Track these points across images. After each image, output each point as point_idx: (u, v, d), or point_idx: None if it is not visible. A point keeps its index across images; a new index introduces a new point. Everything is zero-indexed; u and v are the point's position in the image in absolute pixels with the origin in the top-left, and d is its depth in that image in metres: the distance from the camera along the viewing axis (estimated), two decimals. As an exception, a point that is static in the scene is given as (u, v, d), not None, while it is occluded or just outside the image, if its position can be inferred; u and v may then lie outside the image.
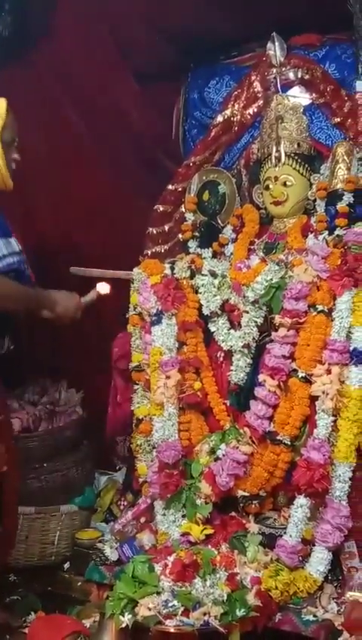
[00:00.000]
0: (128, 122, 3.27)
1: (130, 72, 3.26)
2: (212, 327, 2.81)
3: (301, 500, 2.34)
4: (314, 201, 2.88)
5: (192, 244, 3.08)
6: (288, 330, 2.51)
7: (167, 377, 2.66)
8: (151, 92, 3.33)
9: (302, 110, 2.93)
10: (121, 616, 2.08)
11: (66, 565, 2.72)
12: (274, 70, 3.02)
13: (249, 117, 3.11)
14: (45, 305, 2.45)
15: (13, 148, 2.43)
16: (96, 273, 2.85)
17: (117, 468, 3.16)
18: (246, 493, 2.48)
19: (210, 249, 3.02)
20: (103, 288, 2.67)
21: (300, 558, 2.34)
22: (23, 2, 3.02)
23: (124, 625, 2.07)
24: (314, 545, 2.35)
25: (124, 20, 3.05)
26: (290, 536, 2.33)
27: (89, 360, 3.27)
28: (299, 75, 2.99)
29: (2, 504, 2.35)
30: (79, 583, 2.61)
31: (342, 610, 2.23)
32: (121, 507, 2.94)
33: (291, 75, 3.00)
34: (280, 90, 2.99)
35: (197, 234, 3.09)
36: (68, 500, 2.90)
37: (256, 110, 3.09)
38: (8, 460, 2.32)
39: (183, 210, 3.18)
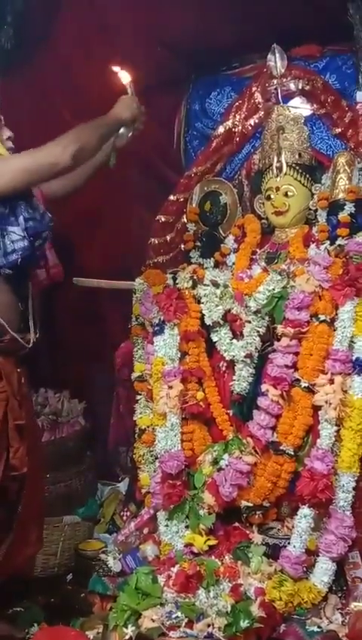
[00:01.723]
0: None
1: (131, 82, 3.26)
2: (214, 337, 2.81)
3: (304, 511, 2.34)
4: (316, 211, 2.90)
5: (194, 255, 3.09)
6: (290, 340, 2.52)
7: (170, 387, 2.67)
8: (152, 103, 3.33)
9: (302, 121, 2.95)
10: (124, 628, 2.08)
11: (69, 577, 2.71)
12: (275, 81, 3.03)
13: (250, 128, 3.12)
14: (112, 116, 2.41)
15: (3, 127, 2.35)
16: (99, 284, 2.86)
17: (120, 478, 3.16)
18: (249, 504, 2.48)
19: (212, 259, 3.03)
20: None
21: (304, 568, 2.34)
22: (25, 14, 3.04)
23: (127, 637, 2.07)
24: (318, 555, 2.35)
25: (124, 31, 3.07)
26: (294, 546, 2.33)
27: (92, 370, 3.27)
28: (300, 86, 3.00)
29: (19, 509, 2.24)
30: (82, 595, 2.59)
31: (346, 620, 2.22)
32: (124, 518, 2.93)
33: (292, 86, 3.01)
34: (281, 100, 3.00)
35: (198, 244, 3.11)
36: (71, 510, 2.89)
37: (257, 121, 3.10)
38: (31, 463, 2.21)
39: (185, 220, 3.19)
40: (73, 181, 2.54)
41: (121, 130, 2.50)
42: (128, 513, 2.93)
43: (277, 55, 3.02)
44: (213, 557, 2.35)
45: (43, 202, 2.36)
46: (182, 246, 3.16)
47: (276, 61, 3.02)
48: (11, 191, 2.15)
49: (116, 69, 2.60)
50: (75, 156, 2.19)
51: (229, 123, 3.16)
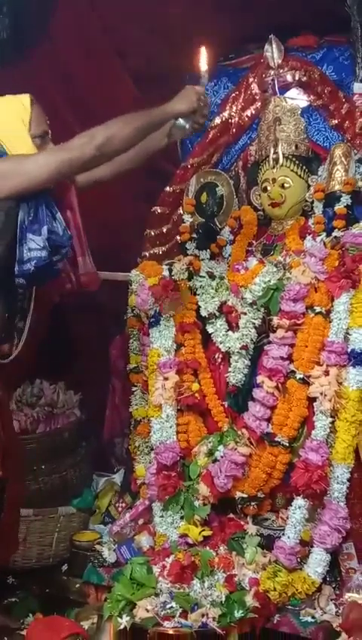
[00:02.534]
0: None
1: (128, 74, 3.25)
2: (210, 329, 2.80)
3: (299, 502, 2.34)
4: (312, 202, 2.89)
5: (190, 246, 3.07)
6: (286, 332, 2.52)
7: (165, 379, 2.66)
8: (149, 94, 3.32)
9: (299, 112, 2.94)
10: (119, 618, 2.08)
11: (64, 567, 2.71)
12: (272, 72, 3.03)
13: (247, 119, 3.11)
14: (166, 108, 2.35)
15: (48, 140, 2.32)
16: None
17: (115, 470, 3.16)
18: (244, 495, 2.48)
19: (208, 251, 3.02)
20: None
21: (298, 559, 2.34)
22: (22, 4, 3.03)
23: (122, 627, 2.06)
24: (312, 546, 2.35)
25: (121, 22, 3.06)
26: (289, 537, 2.33)
27: (87, 362, 3.27)
28: (297, 77, 3.00)
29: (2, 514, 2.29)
30: (77, 585, 2.60)
31: (340, 611, 2.23)
32: (120, 509, 2.93)
33: (289, 77, 3.01)
34: (277, 92, 2.99)
35: (195, 236, 3.09)
36: (66, 501, 2.90)
37: (253, 112, 3.09)
38: (10, 469, 2.25)
39: (181, 212, 3.18)
40: (119, 164, 2.51)
41: (179, 120, 2.42)
42: (123, 504, 2.93)
43: (274, 46, 3.02)
44: (207, 548, 2.35)
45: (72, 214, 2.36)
46: (178, 237, 3.14)
47: (273, 52, 3.02)
48: (40, 188, 2.14)
49: (202, 53, 2.51)
50: (101, 147, 2.17)
51: (226, 114, 3.15)
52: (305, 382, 2.45)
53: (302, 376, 2.45)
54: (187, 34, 3.12)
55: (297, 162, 2.87)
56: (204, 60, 2.50)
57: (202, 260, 2.98)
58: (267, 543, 2.41)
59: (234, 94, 3.15)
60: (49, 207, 2.20)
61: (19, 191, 2.14)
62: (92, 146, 2.16)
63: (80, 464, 3.02)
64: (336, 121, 2.92)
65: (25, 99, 2.31)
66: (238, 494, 2.48)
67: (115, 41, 3.18)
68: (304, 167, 2.88)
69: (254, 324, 2.65)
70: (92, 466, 3.11)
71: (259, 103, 3.07)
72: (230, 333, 2.74)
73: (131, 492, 2.90)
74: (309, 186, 2.89)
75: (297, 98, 2.99)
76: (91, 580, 2.56)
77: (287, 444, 2.45)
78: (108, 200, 3.28)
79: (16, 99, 2.31)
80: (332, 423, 2.37)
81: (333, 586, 2.35)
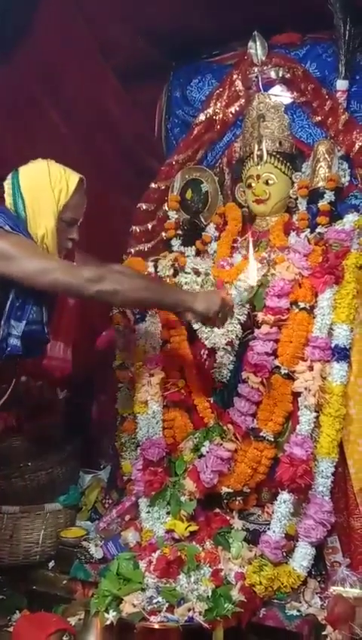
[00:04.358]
0: (110, 121, 3.26)
1: (112, 71, 3.25)
2: (195, 325, 2.81)
3: (284, 496, 2.36)
4: (296, 199, 2.91)
5: (175, 243, 3.09)
6: (271, 328, 2.54)
7: (151, 375, 2.67)
8: (134, 91, 3.33)
9: (283, 109, 2.95)
10: (105, 613, 2.08)
11: (51, 564, 2.71)
12: (256, 69, 3.04)
13: (231, 115, 3.12)
14: (184, 301, 2.26)
15: (75, 228, 2.24)
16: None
17: (101, 466, 3.15)
18: (230, 490, 2.49)
19: (193, 247, 3.04)
20: (253, 280, 2.43)
21: (284, 553, 2.36)
22: (3, 2, 3.01)
23: (108, 622, 2.07)
24: (297, 540, 2.36)
25: (104, 19, 3.05)
26: (274, 531, 2.35)
27: (73, 358, 3.26)
28: (281, 74, 3.01)
29: None
30: (64, 582, 2.60)
31: (325, 604, 2.24)
32: (106, 505, 2.93)
33: (272, 74, 3.02)
34: (261, 88, 3.01)
35: (180, 232, 3.10)
36: (52, 498, 2.89)
37: (238, 109, 3.11)
38: None
39: (166, 208, 3.19)
40: None
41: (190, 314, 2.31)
42: (110, 501, 2.93)
43: (258, 43, 3.03)
44: (193, 543, 2.35)
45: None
46: (164, 234, 3.16)
47: (257, 49, 3.03)
48: (29, 287, 2.06)
49: (252, 266, 2.40)
50: (102, 294, 2.09)
51: (210, 110, 3.16)
52: (290, 377, 2.46)
53: (286, 371, 2.47)
54: (171, 31, 3.13)
55: (281, 159, 2.89)
56: (254, 274, 2.42)
57: (187, 256, 2.99)
58: (253, 538, 2.42)
59: (218, 91, 3.16)
60: (37, 304, 2.13)
61: (12, 278, 2.05)
62: (96, 288, 2.07)
63: (66, 461, 3.01)
64: (320, 118, 2.94)
65: (72, 179, 2.21)
66: (224, 489, 2.49)
67: (99, 39, 3.16)
68: (288, 164, 2.89)
69: (239, 320, 2.67)
70: (78, 462, 3.11)
71: (243, 100, 3.09)
72: (215, 329, 2.75)
73: (118, 488, 2.90)
74: (293, 182, 2.91)
75: (281, 95, 3.01)
76: (78, 577, 2.56)
77: (272, 439, 2.46)
78: (94, 197, 3.27)
79: (64, 175, 2.19)
80: (317, 417, 2.39)
81: (318, 579, 2.36)
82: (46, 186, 2.16)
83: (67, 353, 2.46)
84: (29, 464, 2.88)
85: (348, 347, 2.43)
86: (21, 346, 2.07)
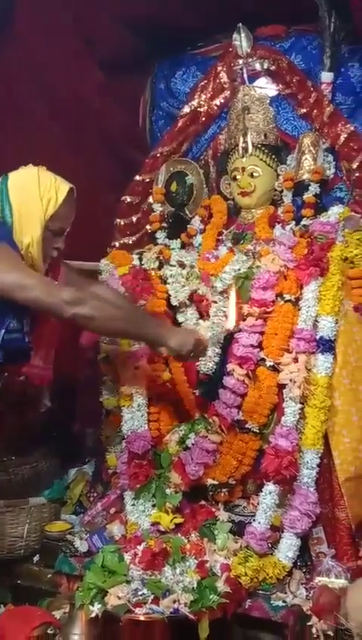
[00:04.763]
0: (94, 113, 3.24)
1: (95, 62, 3.23)
2: (180, 318, 2.82)
3: (269, 487, 2.36)
4: (281, 191, 2.91)
5: (160, 235, 3.08)
6: (256, 320, 2.53)
7: (136, 368, 2.66)
8: (118, 82, 3.31)
9: (268, 101, 2.95)
10: (90, 606, 2.07)
11: (36, 558, 2.69)
12: (241, 61, 3.03)
13: (216, 108, 3.12)
14: (160, 335, 2.28)
15: (61, 237, 2.23)
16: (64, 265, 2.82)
17: (86, 460, 3.14)
18: (215, 482, 2.49)
19: (178, 240, 3.03)
20: (231, 324, 2.45)
21: (269, 544, 2.36)
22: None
23: (93, 614, 2.06)
24: (282, 531, 2.37)
25: (87, 10, 3.03)
26: (259, 523, 2.35)
27: (57, 352, 3.24)
28: (265, 66, 3.00)
29: None
30: (49, 575, 2.58)
31: (310, 595, 2.24)
32: (91, 499, 2.92)
33: (257, 66, 3.01)
34: (246, 80, 3.00)
35: (165, 225, 3.10)
36: (37, 493, 2.87)
37: (222, 101, 3.10)
38: None
39: (151, 201, 3.18)
40: None
41: (164, 349, 2.35)
42: (95, 494, 2.92)
43: (243, 35, 3.01)
44: (179, 535, 2.35)
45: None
46: (148, 227, 3.15)
47: (241, 41, 3.02)
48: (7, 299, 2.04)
49: (231, 315, 2.41)
50: (79, 318, 2.08)
51: (195, 103, 3.15)
52: (275, 369, 2.46)
53: (271, 363, 2.47)
54: (156, 23, 3.12)
55: (266, 151, 2.89)
56: (232, 318, 2.43)
57: (172, 249, 2.99)
58: (238, 529, 2.42)
59: (203, 83, 3.15)
60: (17, 313, 2.12)
61: None
62: (73, 311, 2.06)
63: (50, 455, 3.00)
64: (305, 110, 2.94)
65: (62, 189, 2.18)
66: (209, 481, 2.49)
67: (82, 30, 3.14)
68: (273, 157, 2.90)
69: (224, 312, 2.66)
70: (63, 456, 3.09)
71: (228, 92, 3.08)
72: (201, 321, 2.76)
73: (103, 482, 2.89)
74: (278, 175, 2.91)
75: (266, 87, 3.00)
76: (63, 570, 2.54)
77: (258, 431, 2.46)
78: (78, 190, 3.25)
79: (54, 184, 2.17)
80: (302, 409, 2.39)
81: (304, 570, 2.37)
82: (35, 195, 2.13)
83: (48, 361, 2.44)
84: (13, 458, 2.86)
85: (332, 339, 2.43)
86: (2, 354, 2.06)
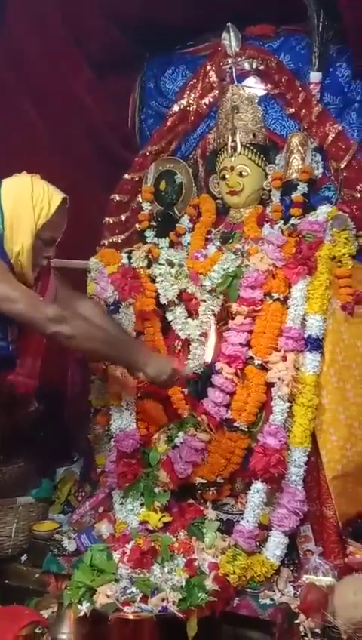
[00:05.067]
0: (83, 111, 3.23)
1: (85, 61, 3.22)
2: (169, 316, 2.82)
3: (257, 485, 2.37)
4: (270, 191, 2.92)
5: (149, 234, 3.08)
6: (244, 319, 2.54)
7: (125, 367, 2.66)
8: (107, 81, 3.30)
9: (257, 100, 2.96)
10: (79, 605, 2.06)
11: (24, 557, 2.68)
12: (230, 60, 3.04)
13: (205, 107, 3.11)
14: (137, 361, 2.30)
15: (51, 247, 2.23)
16: (53, 263, 2.81)
17: (74, 459, 3.13)
18: (203, 481, 2.50)
19: (167, 239, 3.03)
20: (209, 356, 2.47)
21: (257, 542, 2.36)
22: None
23: (82, 613, 2.05)
24: (270, 529, 2.38)
25: (77, 8, 3.02)
26: (247, 521, 2.35)
27: (45, 351, 3.23)
28: (254, 66, 3.01)
29: None
30: (37, 575, 2.57)
31: (298, 593, 2.25)
32: (79, 498, 2.92)
33: (246, 66, 3.02)
34: (235, 80, 3.00)
35: (154, 224, 3.10)
36: (25, 492, 2.86)
37: (211, 100, 3.10)
38: None
39: (140, 199, 3.17)
40: None
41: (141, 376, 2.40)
42: (83, 493, 2.92)
43: (232, 34, 3.02)
44: (167, 533, 2.35)
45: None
46: (137, 225, 3.14)
47: (230, 40, 3.02)
48: None
49: (209, 348, 2.46)
50: (58, 335, 2.11)
51: (184, 102, 3.15)
52: (263, 367, 2.47)
53: (260, 362, 2.48)
54: (145, 22, 3.11)
55: (255, 151, 2.89)
56: (210, 351, 2.46)
57: (161, 247, 2.99)
58: (226, 528, 2.43)
59: (192, 82, 3.15)
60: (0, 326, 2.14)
61: None
62: (55, 329, 2.09)
63: (39, 454, 2.99)
64: (293, 110, 2.94)
65: (55, 199, 2.17)
66: (198, 480, 2.50)
67: (72, 28, 3.13)
68: (261, 156, 2.90)
69: (213, 311, 2.68)
70: (51, 455, 3.08)
71: (217, 91, 3.08)
72: (189, 320, 2.76)
73: (91, 481, 2.89)
74: (267, 174, 2.91)
75: (254, 86, 3.00)
76: (51, 569, 2.54)
77: (246, 430, 2.47)
78: (67, 187, 3.24)
79: (47, 194, 2.15)
80: (290, 407, 2.40)
81: (291, 568, 2.38)
82: (27, 203, 2.12)
83: (34, 370, 2.45)
84: (1, 457, 2.85)
85: (320, 337, 2.44)
86: None
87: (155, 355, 2.35)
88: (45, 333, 2.13)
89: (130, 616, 2.02)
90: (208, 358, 2.44)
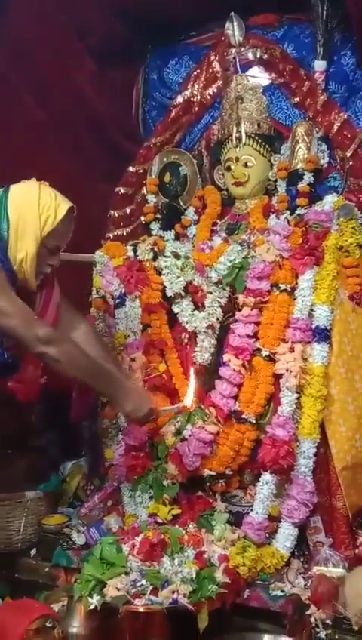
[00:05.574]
0: (87, 104, 3.22)
1: (87, 53, 3.20)
2: (176, 309, 2.81)
3: (266, 477, 2.36)
4: (275, 181, 2.90)
5: (154, 226, 3.07)
6: (251, 310, 2.53)
7: (132, 360, 2.66)
8: (110, 73, 3.29)
9: (261, 90, 2.94)
10: (89, 598, 2.06)
11: (33, 551, 2.69)
12: (233, 50, 3.02)
13: (209, 97, 3.10)
14: (117, 395, 2.28)
15: (56, 255, 2.20)
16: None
17: (83, 453, 3.13)
18: (212, 473, 2.49)
19: (173, 231, 3.02)
20: (188, 401, 2.44)
21: (267, 534, 2.36)
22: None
23: (92, 606, 2.05)
24: (280, 521, 2.37)
25: (81, 0, 3.00)
26: (257, 513, 2.35)
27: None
28: (258, 55, 2.98)
29: None
30: (46, 569, 2.58)
31: (308, 584, 2.25)
32: (88, 492, 2.92)
33: (250, 55, 3.00)
34: (239, 70, 2.98)
35: (159, 216, 3.09)
36: (33, 486, 2.87)
37: (215, 90, 3.08)
38: None
39: (145, 192, 3.16)
40: None
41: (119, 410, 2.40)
42: (92, 487, 2.92)
43: (235, 24, 3.00)
44: (177, 526, 2.35)
45: None
46: (143, 218, 3.13)
47: (234, 30, 3.00)
48: None
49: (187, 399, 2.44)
50: (44, 357, 2.10)
51: (188, 92, 3.14)
52: (271, 359, 2.46)
53: (267, 353, 2.47)
54: (148, 12, 3.09)
55: (260, 141, 2.87)
56: (190, 396, 2.43)
57: (167, 240, 2.98)
58: (236, 520, 2.43)
59: (195, 72, 3.13)
60: None
61: None
62: (42, 349, 2.07)
63: (47, 448, 3.00)
64: (298, 99, 2.92)
65: (62, 208, 2.14)
66: (207, 472, 2.49)
67: (74, 20, 3.12)
68: (266, 146, 2.88)
69: (220, 302, 2.66)
70: (59, 449, 3.09)
71: (221, 82, 3.06)
72: (196, 312, 2.75)
73: (100, 474, 2.89)
74: (272, 164, 2.89)
75: (259, 76, 2.98)
76: (60, 563, 2.54)
77: (254, 421, 2.46)
78: (71, 181, 3.23)
79: (54, 202, 2.12)
80: (298, 398, 2.40)
81: (301, 559, 2.37)
82: (33, 211, 2.10)
83: (35, 377, 2.45)
84: (9, 452, 2.85)
85: (328, 328, 2.43)
86: None
87: (136, 392, 2.33)
88: (32, 352, 2.13)
89: (141, 609, 2.03)
90: (188, 403, 2.43)
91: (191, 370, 2.52)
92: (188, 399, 2.42)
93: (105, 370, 2.28)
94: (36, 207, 2.11)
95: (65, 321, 2.33)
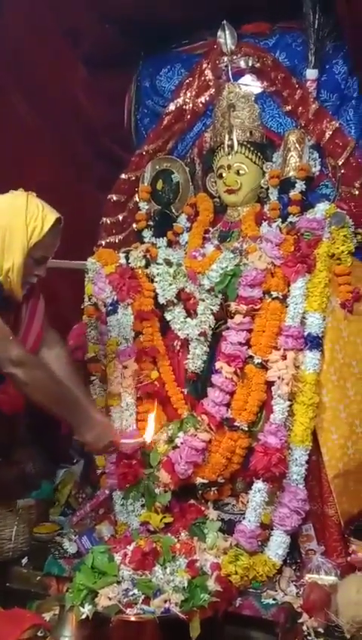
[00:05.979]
0: (79, 111, 3.22)
1: (80, 60, 3.21)
2: (168, 316, 2.81)
3: (259, 485, 2.36)
4: (267, 189, 2.91)
5: (147, 234, 3.07)
6: (243, 317, 2.53)
7: (124, 367, 2.66)
8: (102, 80, 3.29)
9: (253, 98, 2.95)
10: (81, 607, 2.05)
11: (24, 560, 2.67)
12: (226, 58, 3.02)
13: (201, 105, 3.11)
14: (80, 424, 2.27)
15: (42, 266, 2.19)
16: (50, 264, 2.80)
17: (74, 461, 3.12)
18: (204, 481, 2.49)
19: (165, 238, 3.02)
20: (149, 437, 2.46)
21: (259, 542, 2.36)
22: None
23: (84, 616, 2.04)
24: (272, 529, 2.37)
25: (72, 6, 3.01)
26: (249, 521, 2.35)
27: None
28: (250, 64, 3.00)
29: None
30: (38, 578, 2.56)
31: (300, 592, 2.24)
32: (80, 500, 2.91)
33: (242, 64, 3.01)
34: (231, 78, 2.99)
35: (151, 223, 3.09)
36: (25, 494, 2.85)
37: (208, 98, 3.09)
38: None
39: (137, 199, 3.17)
40: None
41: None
42: (84, 495, 2.91)
43: (227, 32, 3.01)
44: (169, 534, 2.34)
45: None
46: (135, 225, 3.14)
47: (226, 38, 3.01)
48: None
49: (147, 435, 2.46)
50: (13, 378, 2.10)
51: (180, 100, 3.15)
52: (263, 366, 2.46)
53: (260, 360, 2.47)
54: (140, 20, 3.10)
55: (252, 149, 2.88)
56: (150, 433, 2.46)
57: (159, 247, 2.98)
58: (228, 528, 2.42)
59: (187, 80, 3.14)
60: None
61: None
62: (12, 370, 2.08)
63: (38, 456, 2.98)
64: (290, 107, 2.93)
65: (49, 219, 2.13)
66: (199, 480, 2.49)
67: (66, 27, 3.12)
68: (258, 154, 2.89)
69: (212, 310, 2.66)
70: (51, 457, 3.07)
71: (213, 90, 3.08)
72: (188, 319, 2.75)
73: (91, 483, 2.88)
74: (264, 172, 2.90)
75: (251, 84, 3.00)
76: (52, 572, 2.53)
77: (246, 429, 2.46)
78: (63, 188, 3.23)
79: (41, 213, 2.12)
80: (290, 406, 2.40)
81: (294, 567, 2.37)
82: (20, 221, 2.10)
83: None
84: (0, 460, 2.84)
85: (320, 335, 2.44)
86: None
87: (99, 423, 2.31)
88: (3, 371, 2.12)
89: (133, 618, 2.01)
90: (148, 439, 2.44)
91: (155, 405, 2.56)
92: (149, 435, 2.43)
93: (72, 397, 2.27)
94: (23, 218, 2.10)
95: (43, 339, 2.32)
